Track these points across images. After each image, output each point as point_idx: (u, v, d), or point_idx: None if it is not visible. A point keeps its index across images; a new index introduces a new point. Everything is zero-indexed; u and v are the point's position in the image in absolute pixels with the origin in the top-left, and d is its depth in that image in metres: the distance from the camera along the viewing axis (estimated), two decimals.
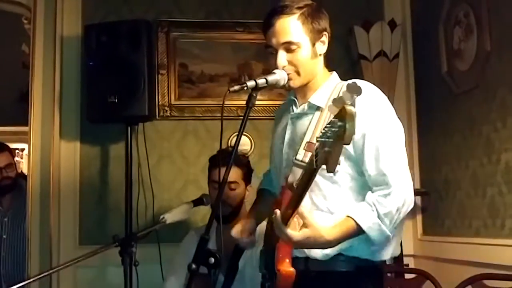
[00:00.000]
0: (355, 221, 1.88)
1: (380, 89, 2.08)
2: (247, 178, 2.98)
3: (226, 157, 2.14)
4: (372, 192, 1.94)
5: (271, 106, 3.70)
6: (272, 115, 3.47)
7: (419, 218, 3.78)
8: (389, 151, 1.95)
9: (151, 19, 3.64)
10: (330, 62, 2.16)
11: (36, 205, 3.62)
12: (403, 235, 3.56)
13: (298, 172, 1.94)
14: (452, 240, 3.35)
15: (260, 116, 3.73)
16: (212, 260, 1.93)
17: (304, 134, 2.04)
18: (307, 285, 1.99)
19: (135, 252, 2.66)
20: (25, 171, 4.93)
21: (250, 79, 2.03)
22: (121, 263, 2.66)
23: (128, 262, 2.66)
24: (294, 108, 2.14)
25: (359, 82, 1.97)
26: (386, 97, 2.06)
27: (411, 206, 1.96)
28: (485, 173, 3.05)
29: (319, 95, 2.06)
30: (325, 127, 1.54)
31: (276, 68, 2.03)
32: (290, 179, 2.02)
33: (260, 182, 2.47)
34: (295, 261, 1.99)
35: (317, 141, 1.59)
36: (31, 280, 2.89)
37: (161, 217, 2.85)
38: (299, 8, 2.03)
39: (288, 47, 2.02)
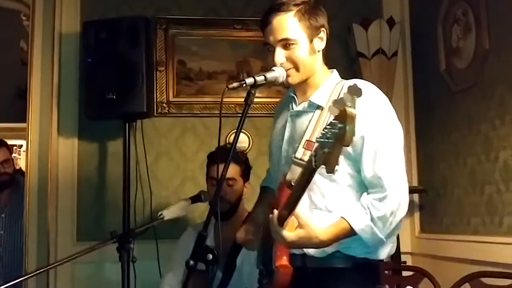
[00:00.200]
0: (348, 223, 1.89)
1: (379, 87, 2.08)
2: (245, 175, 2.98)
3: (225, 153, 2.15)
4: (368, 193, 1.95)
5: (270, 104, 3.70)
6: (270, 112, 3.47)
7: (417, 215, 3.79)
8: (386, 155, 1.96)
9: (149, 16, 3.63)
10: (329, 60, 2.16)
11: (34, 201, 3.62)
12: (401, 232, 3.59)
13: (296, 170, 1.94)
14: (449, 238, 3.36)
15: (258, 113, 3.73)
16: (210, 256, 1.94)
17: (304, 132, 2.04)
18: (304, 282, 2.00)
19: (132, 249, 2.65)
20: (22, 167, 4.92)
21: (248, 76, 2.02)
22: (119, 259, 2.66)
23: (125, 258, 2.65)
24: (294, 105, 2.14)
25: (360, 82, 1.99)
26: (387, 99, 2.06)
27: (406, 209, 1.98)
28: (483, 171, 3.06)
29: (319, 94, 2.06)
30: (325, 128, 1.54)
31: (274, 65, 2.03)
32: (288, 176, 2.02)
33: (263, 180, 2.47)
34: (292, 258, 2.01)
35: (316, 141, 1.59)
36: (29, 276, 2.90)
37: (159, 213, 2.85)
38: (296, 5, 2.03)
39: (286, 44, 2.03)
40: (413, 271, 3.10)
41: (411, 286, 2.94)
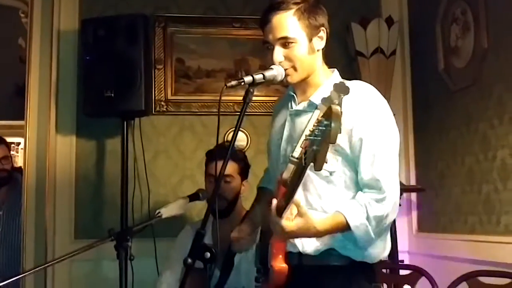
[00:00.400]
0: (345, 218, 1.90)
1: (377, 86, 2.08)
2: (243, 173, 2.98)
3: (223, 151, 2.14)
4: (364, 192, 1.96)
5: (268, 102, 3.69)
6: (269, 111, 3.47)
7: (414, 214, 3.79)
8: (384, 158, 1.97)
9: (148, 14, 3.63)
10: (327, 59, 2.15)
11: (32, 199, 3.62)
12: (398, 231, 3.60)
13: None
14: (447, 237, 3.36)
15: (256, 112, 3.72)
16: (208, 254, 1.94)
17: (303, 131, 2.04)
18: (301, 280, 2.00)
19: (130, 246, 2.65)
20: (20, 165, 4.92)
21: (247, 74, 2.02)
22: (117, 257, 2.66)
23: (123, 256, 2.65)
24: (293, 104, 2.14)
25: (361, 84, 2.00)
26: (386, 102, 2.06)
27: (397, 212, 2.02)
28: (481, 169, 3.06)
29: (320, 94, 2.05)
30: (313, 125, 1.55)
31: (273, 63, 2.03)
32: (285, 175, 2.02)
33: (260, 180, 2.47)
34: (288, 256, 2.01)
35: (306, 139, 1.60)
36: (26, 273, 2.90)
37: (157, 211, 2.85)
38: (296, 3, 2.03)
39: (285, 42, 2.02)
40: (411, 270, 3.10)
41: (408, 285, 2.95)
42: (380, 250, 2.05)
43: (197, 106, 3.80)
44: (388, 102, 2.09)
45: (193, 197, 3.02)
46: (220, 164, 2.02)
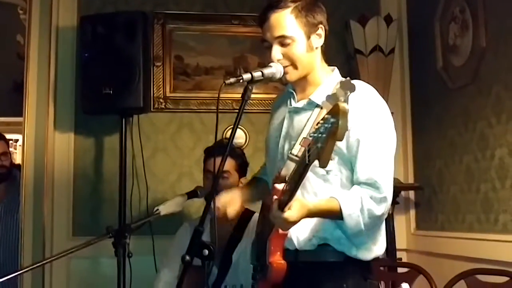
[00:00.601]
0: (339, 204, 1.91)
1: (375, 84, 2.09)
2: (240, 170, 2.98)
3: (221, 148, 2.14)
4: (360, 187, 1.96)
5: (267, 100, 3.70)
6: (267, 108, 3.47)
7: (412, 212, 3.80)
8: (381, 160, 1.98)
9: (147, 11, 3.62)
10: (326, 57, 2.15)
11: (30, 195, 3.62)
12: (396, 229, 3.60)
13: (291, 166, 1.94)
14: (445, 235, 3.37)
15: (255, 109, 3.72)
16: (206, 252, 1.93)
17: (302, 129, 2.04)
18: (297, 276, 2.01)
19: (128, 244, 2.65)
20: (18, 162, 4.91)
21: (245, 72, 2.02)
22: (115, 254, 2.65)
23: (121, 253, 2.64)
24: (293, 101, 2.14)
25: (360, 84, 1.99)
26: (385, 103, 2.07)
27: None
28: (479, 168, 3.07)
29: (320, 93, 2.05)
30: (318, 123, 1.54)
31: (272, 61, 2.04)
32: (283, 172, 2.02)
33: (257, 172, 2.48)
34: (285, 253, 2.01)
35: (310, 136, 1.59)
36: (24, 270, 2.89)
37: (155, 209, 2.85)
38: (294, 1, 2.03)
39: (283, 41, 2.03)
40: (409, 268, 3.11)
41: (406, 282, 2.94)
42: (375, 247, 2.05)
43: (196, 104, 3.80)
44: (386, 100, 2.10)
45: (192, 195, 3.02)
46: (218, 160, 2.02)
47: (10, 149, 4.43)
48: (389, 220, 3.44)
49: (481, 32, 3.04)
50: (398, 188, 3.44)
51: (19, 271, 2.94)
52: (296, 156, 1.98)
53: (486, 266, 2.77)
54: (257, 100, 3.74)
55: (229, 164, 2.90)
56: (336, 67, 2.16)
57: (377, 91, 2.08)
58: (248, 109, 3.32)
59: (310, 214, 1.89)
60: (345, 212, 1.91)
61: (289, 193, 1.80)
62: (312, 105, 2.06)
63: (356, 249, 2.01)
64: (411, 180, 3.78)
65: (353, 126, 1.93)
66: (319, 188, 2.01)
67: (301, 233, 2.01)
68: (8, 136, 4.50)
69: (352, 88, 1.62)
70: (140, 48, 3.36)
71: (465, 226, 3.18)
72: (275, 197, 1.88)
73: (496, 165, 2.91)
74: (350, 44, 3.80)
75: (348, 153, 1.97)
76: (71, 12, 3.73)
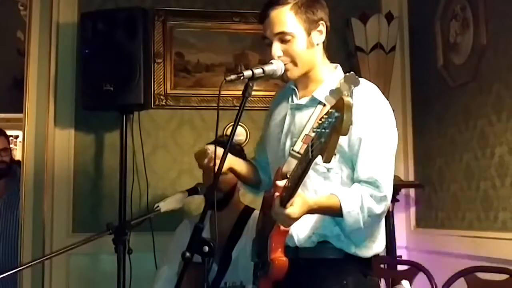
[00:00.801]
0: (339, 201, 1.91)
1: (376, 82, 2.09)
2: None
3: (221, 144, 2.14)
4: (361, 185, 1.97)
5: (267, 97, 3.68)
6: (268, 106, 3.45)
7: (412, 210, 3.80)
8: (382, 159, 1.98)
9: (148, 8, 3.62)
10: (327, 54, 2.15)
11: (30, 192, 3.62)
12: (396, 227, 3.60)
13: (293, 163, 1.95)
14: (445, 233, 3.37)
15: (256, 106, 3.71)
16: (207, 248, 1.94)
17: (304, 126, 2.04)
18: (297, 273, 2.01)
19: (128, 240, 2.65)
20: (18, 158, 4.91)
21: (246, 69, 2.03)
22: (115, 251, 2.65)
23: (121, 250, 2.64)
24: (295, 98, 2.14)
25: (363, 82, 1.99)
26: (386, 101, 2.07)
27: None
28: (479, 166, 3.07)
29: (323, 90, 2.05)
30: (322, 117, 1.54)
31: (272, 58, 2.03)
32: (284, 169, 2.03)
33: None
34: (286, 250, 2.01)
35: (313, 131, 1.59)
36: (24, 267, 2.89)
37: (155, 205, 2.84)
38: None
39: (282, 37, 2.03)
40: (408, 265, 3.11)
41: (406, 280, 2.95)
42: (374, 245, 2.06)
43: (196, 101, 3.80)
44: (387, 98, 2.10)
45: (192, 191, 3.01)
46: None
47: (10, 145, 4.42)
48: (389, 218, 3.45)
49: (482, 30, 3.03)
50: (398, 185, 3.45)
51: (19, 267, 2.94)
52: (298, 152, 1.98)
53: (485, 264, 2.77)
54: (258, 97, 3.73)
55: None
56: (339, 64, 2.16)
57: (378, 89, 2.08)
58: (249, 106, 3.31)
59: (311, 211, 1.90)
60: (344, 209, 1.91)
61: (291, 190, 1.80)
62: (314, 102, 2.06)
63: (355, 246, 2.02)
64: (411, 177, 3.78)
65: (355, 124, 1.93)
66: (319, 186, 2.01)
67: (301, 230, 2.02)
68: (8, 132, 4.49)
69: (356, 83, 1.62)
70: (140, 45, 3.36)
71: (465, 223, 3.18)
72: (276, 194, 1.88)
73: (496, 163, 2.91)
74: (351, 42, 3.79)
75: (350, 151, 1.97)
76: (72, 8, 3.73)
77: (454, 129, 3.31)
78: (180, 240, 2.87)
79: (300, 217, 1.87)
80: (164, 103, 3.78)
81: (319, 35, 2.07)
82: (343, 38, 3.85)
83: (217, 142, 2.37)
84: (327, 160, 1.55)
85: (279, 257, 1.99)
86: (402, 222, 3.80)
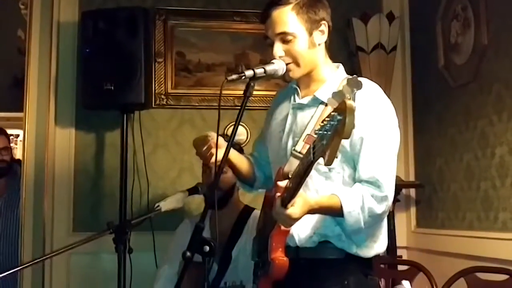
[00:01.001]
0: (340, 202, 1.91)
1: (377, 82, 2.09)
2: None
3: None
4: (362, 185, 1.97)
5: (268, 97, 3.67)
6: (269, 105, 3.45)
7: (413, 210, 3.80)
8: (384, 159, 1.98)
9: (149, 7, 3.62)
10: (329, 53, 2.15)
11: (30, 191, 3.62)
12: (397, 227, 3.60)
13: (295, 163, 1.95)
14: (445, 233, 3.37)
15: (257, 106, 3.71)
16: (207, 248, 1.94)
17: (305, 126, 2.04)
18: (298, 273, 2.01)
19: (129, 240, 2.65)
20: (19, 157, 4.91)
21: (247, 68, 2.02)
22: (115, 250, 2.66)
23: (122, 249, 2.65)
24: (296, 97, 2.14)
25: (365, 81, 1.98)
26: (389, 101, 2.06)
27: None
28: (479, 166, 3.07)
29: (325, 90, 2.05)
30: (324, 120, 1.54)
31: (274, 59, 2.04)
32: (286, 168, 2.03)
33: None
34: (286, 250, 2.01)
35: (315, 133, 1.59)
36: (24, 266, 2.89)
37: (156, 205, 2.85)
38: None
39: (284, 37, 2.03)
40: (409, 265, 3.11)
41: (406, 280, 2.95)
42: (376, 245, 2.06)
43: (197, 100, 3.80)
44: (388, 98, 2.09)
45: (192, 191, 3.02)
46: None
47: (11, 144, 4.42)
48: (390, 218, 3.44)
49: (483, 30, 3.03)
50: (399, 186, 3.43)
51: (19, 266, 2.94)
52: (299, 153, 1.98)
53: (486, 264, 2.77)
54: (259, 96, 3.73)
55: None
56: (341, 64, 2.16)
57: (380, 88, 2.07)
58: (250, 106, 3.31)
59: (312, 211, 1.90)
60: (345, 210, 1.91)
61: (293, 190, 1.80)
62: (316, 101, 2.06)
63: (356, 246, 2.02)
64: (412, 178, 3.78)
65: (357, 124, 1.93)
66: (321, 186, 2.01)
67: (302, 230, 2.02)
68: (8, 131, 4.49)
69: (359, 86, 1.62)
70: (141, 44, 3.36)
71: (465, 224, 3.18)
72: (278, 194, 1.88)
73: (497, 163, 2.91)
74: (352, 42, 3.80)
75: (351, 150, 1.97)
76: (73, 7, 3.73)
77: (454, 129, 3.31)
78: (180, 239, 2.87)
79: (301, 218, 1.87)
80: (164, 103, 3.78)
81: (321, 35, 2.07)
82: (344, 38, 3.85)
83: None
84: (328, 163, 1.55)
85: (279, 256, 1.99)
86: (403, 222, 3.80)
